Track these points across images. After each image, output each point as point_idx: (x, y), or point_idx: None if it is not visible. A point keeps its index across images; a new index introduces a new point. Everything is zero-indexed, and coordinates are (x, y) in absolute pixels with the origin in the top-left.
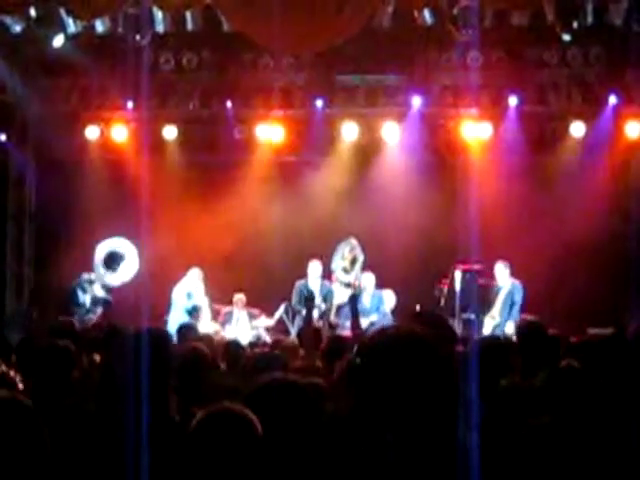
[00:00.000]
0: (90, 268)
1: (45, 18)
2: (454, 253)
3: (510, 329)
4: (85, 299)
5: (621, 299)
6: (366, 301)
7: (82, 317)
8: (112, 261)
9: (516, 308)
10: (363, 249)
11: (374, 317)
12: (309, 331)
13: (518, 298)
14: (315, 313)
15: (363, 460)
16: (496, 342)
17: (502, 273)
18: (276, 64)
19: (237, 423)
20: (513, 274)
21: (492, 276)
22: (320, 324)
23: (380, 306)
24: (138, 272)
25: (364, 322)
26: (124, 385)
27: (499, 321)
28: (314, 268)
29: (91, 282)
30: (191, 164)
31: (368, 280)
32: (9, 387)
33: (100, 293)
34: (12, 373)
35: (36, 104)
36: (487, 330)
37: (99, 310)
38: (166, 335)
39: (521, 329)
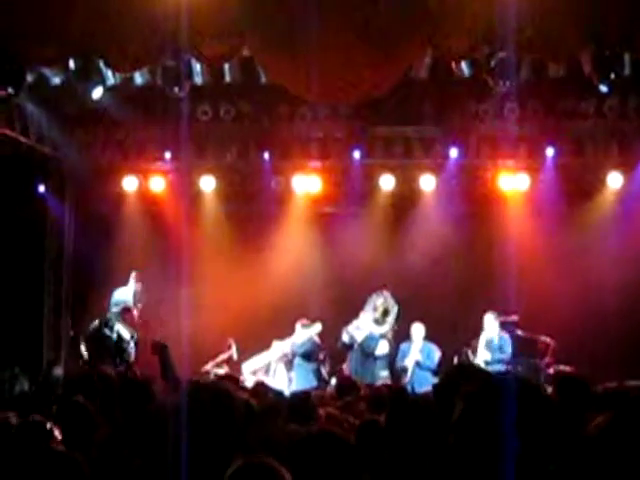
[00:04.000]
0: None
1: (84, 70)
2: (492, 304)
3: None
4: (114, 337)
5: None
6: (415, 352)
7: (122, 355)
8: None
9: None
10: (397, 301)
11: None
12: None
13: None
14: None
15: None
16: (536, 390)
17: (491, 323)
18: (313, 115)
19: (268, 476)
20: (550, 325)
21: (530, 328)
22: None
23: (429, 357)
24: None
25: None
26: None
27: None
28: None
29: (111, 321)
30: (228, 215)
31: (417, 331)
32: (45, 436)
33: (124, 331)
34: (49, 424)
35: (74, 155)
36: None
37: (132, 345)
38: (222, 389)
39: (561, 383)
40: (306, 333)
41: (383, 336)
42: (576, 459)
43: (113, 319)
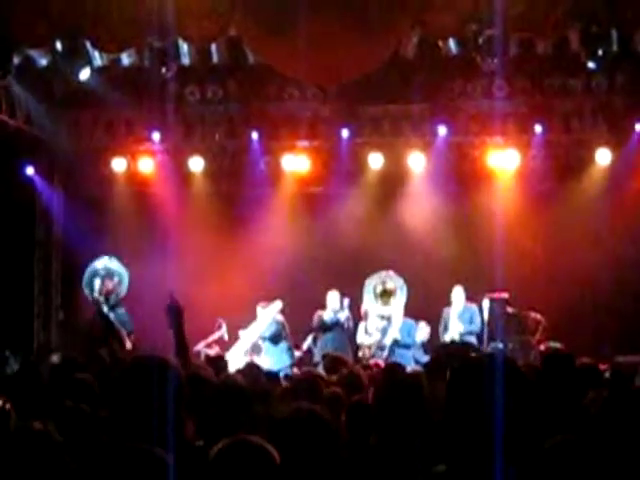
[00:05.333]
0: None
1: (71, 52)
2: (482, 281)
3: None
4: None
5: None
6: (394, 332)
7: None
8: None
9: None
10: (405, 280)
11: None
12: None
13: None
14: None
15: None
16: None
17: (459, 296)
18: (301, 95)
19: (254, 454)
20: (541, 302)
21: (520, 305)
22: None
23: (410, 335)
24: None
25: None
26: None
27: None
28: (332, 298)
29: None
30: (217, 195)
31: (396, 309)
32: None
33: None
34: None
35: (63, 137)
36: None
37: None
38: (163, 363)
39: (548, 359)
40: (268, 314)
41: (383, 317)
42: (574, 434)
43: (112, 298)
